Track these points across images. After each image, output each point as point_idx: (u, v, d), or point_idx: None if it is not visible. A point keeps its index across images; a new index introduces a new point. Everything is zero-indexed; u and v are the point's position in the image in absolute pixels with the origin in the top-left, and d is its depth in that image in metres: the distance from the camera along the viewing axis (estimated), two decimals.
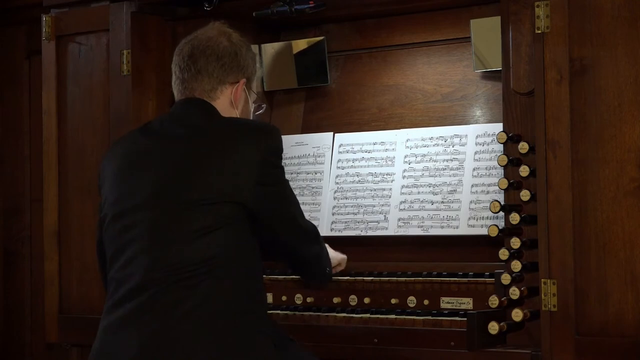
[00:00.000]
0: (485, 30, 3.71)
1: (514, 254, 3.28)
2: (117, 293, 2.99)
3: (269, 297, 3.74)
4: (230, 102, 3.17)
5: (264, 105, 3.43)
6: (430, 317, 3.39)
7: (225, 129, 3.06)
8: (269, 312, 3.50)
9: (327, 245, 3.40)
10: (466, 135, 3.75)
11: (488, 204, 3.47)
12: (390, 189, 3.83)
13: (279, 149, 3.08)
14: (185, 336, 2.87)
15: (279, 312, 3.58)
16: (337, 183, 3.95)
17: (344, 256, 3.64)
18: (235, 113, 3.18)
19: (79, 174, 4.15)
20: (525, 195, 3.26)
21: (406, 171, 3.83)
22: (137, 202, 3.00)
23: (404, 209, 3.78)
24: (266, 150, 3.01)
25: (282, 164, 3.11)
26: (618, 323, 3.06)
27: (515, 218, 3.29)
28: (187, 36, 3.22)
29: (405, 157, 3.85)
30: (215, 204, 2.93)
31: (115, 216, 3.05)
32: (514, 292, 3.23)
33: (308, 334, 3.47)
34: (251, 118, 3.31)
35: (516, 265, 3.26)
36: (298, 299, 3.72)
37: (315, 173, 4.01)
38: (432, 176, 3.77)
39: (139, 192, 3.01)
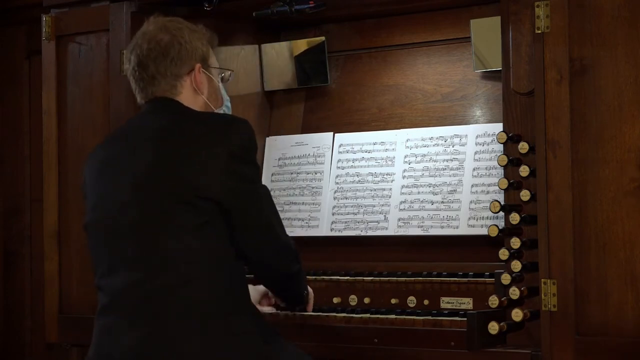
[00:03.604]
0: (485, 30, 3.71)
1: (514, 254, 3.27)
2: (105, 298, 3.00)
3: None
4: (194, 90, 3.14)
5: (230, 72, 3.38)
6: (430, 317, 3.39)
7: (193, 125, 3.05)
8: (269, 312, 3.51)
9: None
10: (466, 135, 3.75)
11: (488, 204, 3.47)
12: (390, 189, 3.83)
13: (248, 144, 3.04)
14: (179, 337, 2.87)
15: (279, 312, 3.58)
16: (337, 183, 3.95)
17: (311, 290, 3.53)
18: (202, 99, 3.16)
19: (79, 174, 4.11)
20: (525, 195, 3.26)
21: (406, 171, 3.83)
22: (115, 207, 3.01)
23: (404, 209, 3.78)
24: (234, 144, 2.98)
25: (256, 161, 3.08)
26: (618, 323, 3.06)
27: (515, 218, 3.29)
28: (129, 43, 3.19)
29: (405, 157, 3.85)
30: (191, 202, 2.92)
31: (95, 223, 3.07)
32: (514, 292, 3.23)
33: (308, 334, 3.46)
34: (221, 91, 3.29)
35: (516, 265, 3.26)
36: None
37: (315, 173, 4.01)
38: (432, 176, 3.77)
39: (115, 197, 3.02)
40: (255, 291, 3.46)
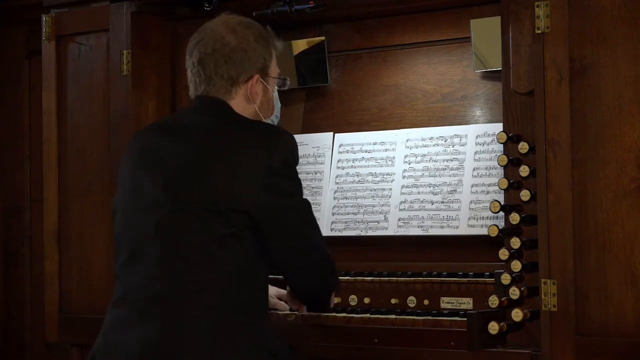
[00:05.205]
0: (485, 30, 3.71)
1: (514, 254, 3.28)
2: (121, 289, 3.01)
3: None
4: (247, 98, 3.14)
5: (287, 81, 3.36)
6: (430, 317, 3.38)
7: (238, 133, 3.04)
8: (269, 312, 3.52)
9: None
10: (466, 135, 3.75)
11: (488, 204, 3.48)
12: (390, 189, 3.83)
13: (290, 159, 3.03)
14: (186, 342, 2.87)
15: (279, 312, 3.58)
16: (337, 183, 3.95)
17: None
18: (254, 107, 3.15)
19: (79, 174, 4.15)
20: (525, 195, 3.26)
21: (406, 171, 3.83)
22: (144, 201, 3.01)
23: (404, 209, 3.78)
24: (276, 158, 2.98)
25: (298, 176, 3.06)
26: (618, 323, 3.06)
27: (515, 218, 3.29)
28: (195, 34, 3.17)
29: (405, 157, 3.85)
30: (222, 211, 2.92)
31: (123, 212, 3.07)
32: (514, 292, 3.23)
33: (308, 334, 3.46)
34: (275, 102, 3.28)
35: (516, 265, 3.26)
36: None
37: (315, 173, 4.01)
38: (432, 176, 3.77)
39: (146, 190, 3.02)
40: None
